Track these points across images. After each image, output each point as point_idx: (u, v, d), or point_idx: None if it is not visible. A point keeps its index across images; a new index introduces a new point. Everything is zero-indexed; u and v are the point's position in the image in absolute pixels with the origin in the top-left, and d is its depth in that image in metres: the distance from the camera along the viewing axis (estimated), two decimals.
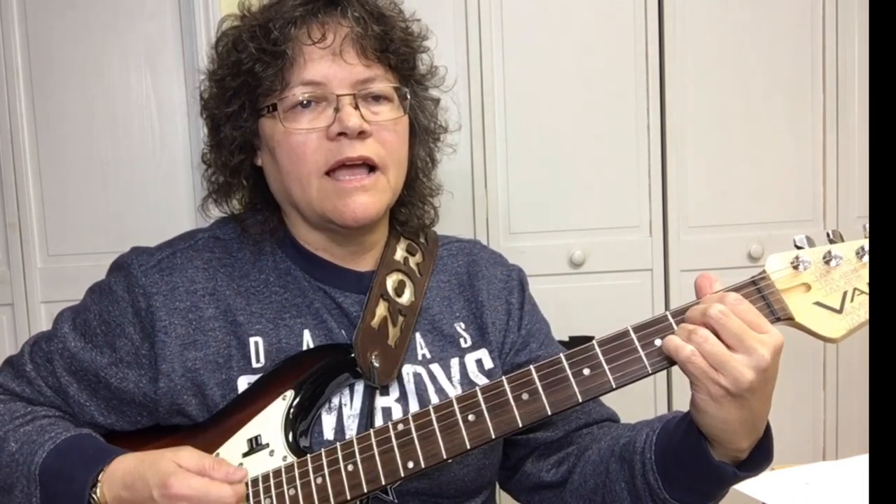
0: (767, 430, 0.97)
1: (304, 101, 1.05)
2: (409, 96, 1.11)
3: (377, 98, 1.08)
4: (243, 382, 1.06)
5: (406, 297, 1.14)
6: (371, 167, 1.06)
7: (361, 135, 1.04)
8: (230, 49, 1.09)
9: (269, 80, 1.05)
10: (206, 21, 1.69)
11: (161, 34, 1.74)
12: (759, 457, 0.96)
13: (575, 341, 0.97)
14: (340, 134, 1.04)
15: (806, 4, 1.76)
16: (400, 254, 1.17)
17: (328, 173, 1.05)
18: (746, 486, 1.06)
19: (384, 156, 1.07)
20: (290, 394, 1.04)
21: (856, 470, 1.10)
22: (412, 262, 1.17)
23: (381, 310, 1.10)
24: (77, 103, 1.74)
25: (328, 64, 1.05)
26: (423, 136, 1.18)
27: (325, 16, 1.06)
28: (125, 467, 0.97)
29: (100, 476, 0.97)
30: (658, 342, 0.93)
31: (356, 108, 1.05)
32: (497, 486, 1.24)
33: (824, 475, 1.10)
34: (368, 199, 1.06)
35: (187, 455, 0.96)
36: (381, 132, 1.07)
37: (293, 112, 1.06)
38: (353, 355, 1.06)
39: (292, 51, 1.05)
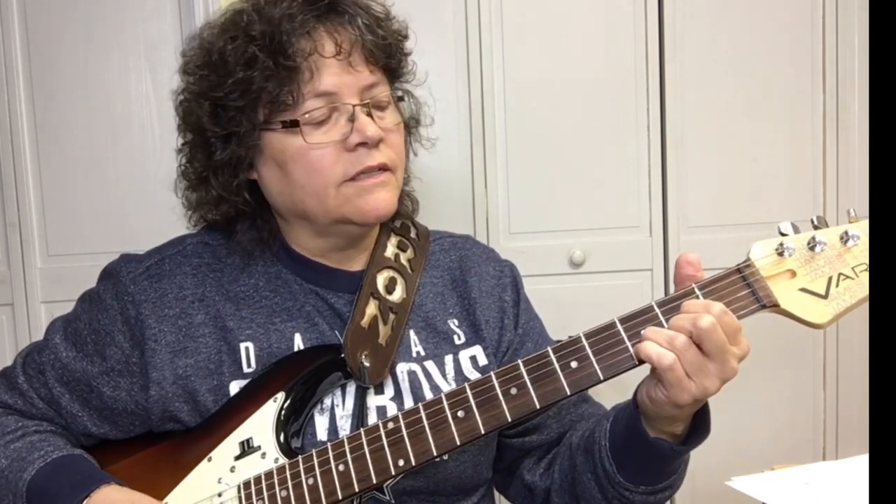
0: (704, 406, 1.00)
1: (324, 118, 1.03)
2: (405, 98, 1.12)
3: (379, 103, 1.08)
4: (235, 388, 1.06)
5: (397, 294, 1.14)
6: (385, 168, 1.06)
7: (377, 142, 1.05)
8: (232, 68, 1.03)
9: (284, 96, 1.02)
10: (206, 21, 1.69)
11: (161, 34, 1.74)
12: (697, 432, 1.00)
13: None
14: (360, 144, 1.03)
15: (806, 5, 1.76)
16: (391, 250, 1.17)
17: (346, 180, 1.04)
18: (746, 487, 1.06)
19: (394, 158, 1.08)
20: (280, 396, 1.04)
21: (856, 470, 1.09)
22: (403, 258, 1.17)
23: (372, 308, 1.10)
24: (77, 103, 1.74)
25: (338, 72, 1.04)
26: (407, 132, 1.18)
27: (331, 24, 1.05)
28: (110, 500, 0.98)
29: (84, 502, 0.98)
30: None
31: (369, 115, 1.04)
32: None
33: (824, 475, 1.09)
34: (387, 194, 1.06)
35: None
36: (390, 136, 1.07)
37: (308, 125, 1.03)
38: (343, 355, 1.06)
39: (304, 63, 1.02)
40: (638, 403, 0.98)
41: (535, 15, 1.74)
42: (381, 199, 1.05)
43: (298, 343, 1.09)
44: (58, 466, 1.02)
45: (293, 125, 1.03)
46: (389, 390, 1.08)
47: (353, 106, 1.04)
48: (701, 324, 0.88)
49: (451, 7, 1.73)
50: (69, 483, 1.00)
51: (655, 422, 0.97)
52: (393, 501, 1.04)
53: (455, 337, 1.15)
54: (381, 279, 1.14)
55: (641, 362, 0.93)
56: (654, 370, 0.93)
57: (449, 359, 1.13)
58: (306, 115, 1.03)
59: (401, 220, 1.21)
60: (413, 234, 1.21)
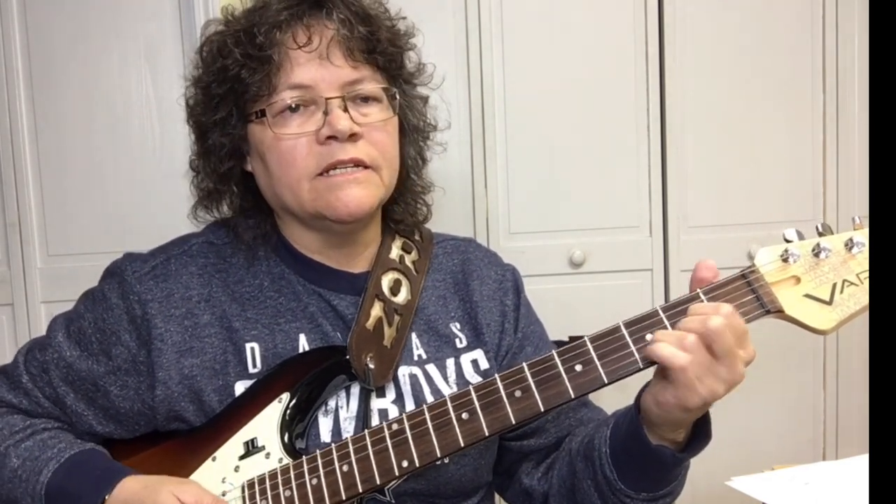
0: (705, 413, 0.99)
1: (293, 106, 1.04)
2: (397, 96, 1.11)
3: (366, 99, 1.08)
4: (240, 388, 1.06)
5: (402, 296, 1.14)
6: (363, 166, 1.06)
7: (352, 137, 1.04)
8: (215, 55, 1.08)
9: (256, 86, 1.04)
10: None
11: (161, 34, 1.74)
12: (698, 438, 1.00)
13: (575, 341, 0.97)
14: (330, 137, 1.03)
15: (806, 5, 1.76)
16: (395, 252, 1.17)
17: (319, 174, 1.05)
18: (746, 487, 1.06)
19: (376, 156, 1.07)
20: (285, 397, 1.04)
21: (856, 470, 1.10)
22: (408, 260, 1.17)
23: (377, 310, 1.10)
24: (77, 103, 1.74)
25: (315, 67, 1.04)
26: (413, 134, 1.17)
27: (310, 18, 1.06)
28: (129, 491, 0.98)
29: (106, 499, 0.97)
30: (649, 337, 0.93)
31: (345, 110, 1.04)
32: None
33: (824, 475, 1.09)
34: (361, 191, 1.05)
35: (189, 490, 0.96)
36: (372, 133, 1.06)
37: (282, 117, 1.05)
38: (348, 357, 1.06)
39: (278, 55, 1.04)
40: (640, 409, 0.98)
41: (535, 15, 1.74)
42: (352, 195, 1.04)
43: (303, 344, 1.09)
44: (73, 465, 1.02)
45: (262, 115, 1.05)
46: (391, 393, 1.08)
47: (327, 99, 1.04)
48: (711, 324, 0.88)
49: (451, 7, 1.73)
50: (89, 481, 1.00)
51: (658, 428, 0.97)
52: (393, 502, 1.04)
53: (457, 340, 1.15)
54: (386, 281, 1.14)
55: (647, 366, 0.93)
56: (661, 373, 0.92)
57: (450, 362, 1.13)
58: (273, 105, 1.04)
59: (406, 224, 1.20)
60: (417, 237, 1.21)
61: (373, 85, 1.08)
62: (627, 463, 1.00)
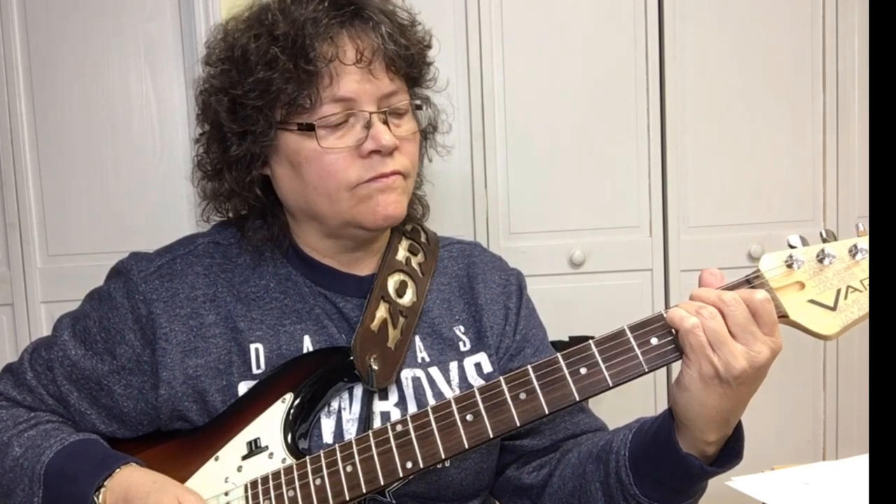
0: (739, 431, 0.98)
1: (340, 122, 1.04)
2: (422, 107, 1.13)
3: (396, 111, 1.08)
4: (244, 388, 1.06)
5: (408, 298, 1.14)
6: (401, 176, 1.07)
7: (391, 150, 1.05)
8: (253, 66, 1.03)
9: (302, 98, 1.03)
10: (206, 21, 1.69)
11: (161, 34, 1.74)
12: (728, 455, 0.97)
13: (575, 341, 0.98)
14: (374, 151, 1.04)
15: (806, 4, 1.76)
16: (402, 254, 1.17)
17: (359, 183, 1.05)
18: (746, 487, 1.06)
19: (408, 166, 1.08)
20: (289, 397, 1.04)
21: (856, 470, 1.10)
22: (414, 262, 1.17)
23: (382, 311, 1.10)
24: (77, 103, 1.74)
25: (358, 79, 1.04)
26: (425, 139, 1.19)
27: (353, 29, 1.05)
28: (133, 480, 0.98)
29: (105, 481, 0.97)
30: (654, 341, 0.93)
31: (385, 123, 1.05)
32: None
33: (824, 475, 1.10)
34: (397, 197, 1.07)
35: (192, 499, 0.96)
36: (405, 145, 1.08)
37: (324, 129, 1.04)
38: (351, 358, 1.06)
39: (323, 68, 1.02)
40: (672, 411, 0.97)
41: (535, 15, 1.74)
42: (391, 200, 1.06)
43: (308, 345, 1.09)
44: (76, 449, 1.02)
45: (309, 128, 1.03)
46: (394, 396, 1.09)
47: (370, 113, 1.04)
48: (725, 297, 0.89)
49: (451, 7, 1.73)
50: (90, 463, 1.00)
51: (687, 427, 0.95)
52: (394, 502, 1.04)
53: (460, 343, 1.15)
54: (392, 282, 1.14)
55: (651, 370, 0.93)
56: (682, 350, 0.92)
57: (454, 365, 1.13)
58: (322, 120, 1.03)
59: (411, 225, 1.21)
60: (423, 239, 1.21)
61: (405, 98, 1.09)
62: (647, 468, 0.99)
